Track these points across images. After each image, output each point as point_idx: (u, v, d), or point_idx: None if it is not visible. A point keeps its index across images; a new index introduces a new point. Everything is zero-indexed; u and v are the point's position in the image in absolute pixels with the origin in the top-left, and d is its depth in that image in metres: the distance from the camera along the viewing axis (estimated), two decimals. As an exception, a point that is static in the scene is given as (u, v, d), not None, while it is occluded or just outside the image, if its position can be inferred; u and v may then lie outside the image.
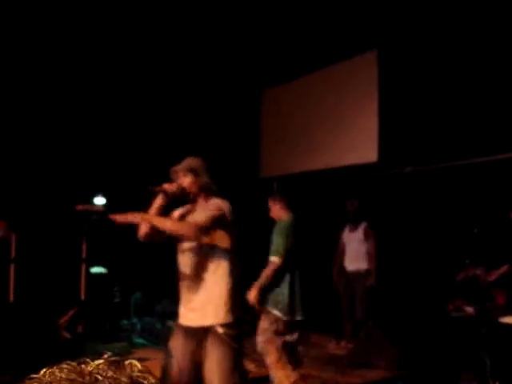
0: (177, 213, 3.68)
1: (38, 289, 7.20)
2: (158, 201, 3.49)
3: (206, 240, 3.38)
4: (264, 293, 4.90)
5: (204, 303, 3.40)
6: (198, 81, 8.97)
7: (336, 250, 7.72)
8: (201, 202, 3.57)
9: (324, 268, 7.99)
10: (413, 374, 5.79)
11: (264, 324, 4.96)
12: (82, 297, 7.31)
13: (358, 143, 8.07)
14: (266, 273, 4.90)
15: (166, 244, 3.53)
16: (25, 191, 7.73)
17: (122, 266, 8.66)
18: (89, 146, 8.43)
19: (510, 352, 5.18)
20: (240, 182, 9.01)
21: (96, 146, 8.51)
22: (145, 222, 3.39)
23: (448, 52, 6.97)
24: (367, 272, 7.32)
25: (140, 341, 7.68)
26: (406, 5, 7.08)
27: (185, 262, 3.48)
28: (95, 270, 8.19)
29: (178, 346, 3.46)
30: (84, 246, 7.35)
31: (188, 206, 3.65)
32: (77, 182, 8.10)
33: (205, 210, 3.44)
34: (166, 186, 3.50)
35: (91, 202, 7.83)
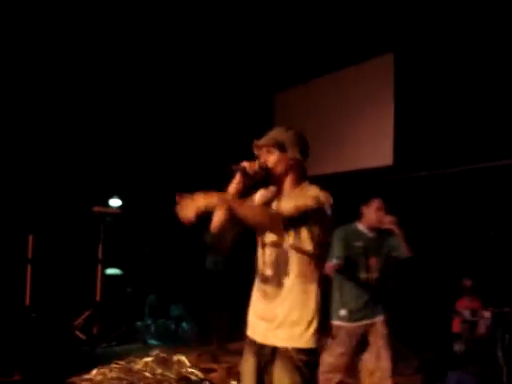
0: (258, 195, 2.92)
1: (55, 290, 7.26)
2: (236, 183, 2.70)
3: (291, 236, 2.62)
4: None
5: (280, 317, 2.64)
6: (210, 87, 9.00)
7: None
8: (289, 187, 2.77)
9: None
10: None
11: None
12: (98, 298, 7.33)
13: (373, 146, 8.04)
14: None
15: (243, 235, 2.76)
16: (42, 193, 7.79)
17: (136, 268, 8.71)
18: (105, 148, 8.49)
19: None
20: (253, 186, 9.00)
21: (112, 148, 8.56)
22: (221, 205, 2.53)
23: (464, 56, 6.94)
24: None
25: (154, 342, 7.71)
26: (422, 8, 7.06)
27: (264, 258, 2.75)
28: (110, 271, 8.24)
29: (248, 369, 2.74)
30: (100, 248, 7.38)
31: (273, 190, 2.86)
32: (93, 183, 8.16)
33: (295, 197, 2.66)
34: (246, 165, 2.71)
35: (107, 204, 7.88)
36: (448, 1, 6.83)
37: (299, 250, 2.62)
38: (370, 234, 4.65)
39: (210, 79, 8.87)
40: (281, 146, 2.73)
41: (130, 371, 0.96)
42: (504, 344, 5.28)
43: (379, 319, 4.49)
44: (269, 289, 2.68)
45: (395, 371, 6.12)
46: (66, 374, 5.58)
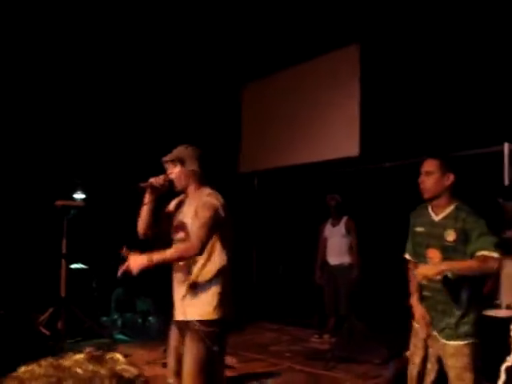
0: (172, 204, 3.62)
1: (18, 286, 7.10)
2: (148, 197, 3.45)
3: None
4: None
5: (188, 297, 3.37)
6: (178, 76, 8.91)
7: (318, 245, 7.72)
8: (192, 193, 3.48)
9: (306, 262, 8.00)
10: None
11: None
12: (62, 293, 7.20)
13: (339, 137, 8.08)
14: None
15: (163, 237, 3.51)
16: (5, 187, 7.62)
17: (102, 262, 8.57)
18: (68, 141, 8.34)
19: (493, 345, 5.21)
20: (219, 177, 8.97)
21: (75, 141, 8.42)
22: (152, 265, 3.21)
23: (430, 47, 7.00)
24: (350, 266, 7.33)
25: (121, 337, 7.62)
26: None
27: None
28: (75, 265, 8.10)
29: (172, 338, 3.49)
30: (64, 242, 7.24)
31: (181, 197, 3.59)
32: (56, 177, 8.01)
33: (195, 204, 3.36)
34: (153, 180, 3.41)
35: (71, 198, 7.74)
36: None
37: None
38: (436, 217, 3.49)
39: (177, 71, 8.79)
40: (182, 161, 3.44)
41: (59, 367, 0.96)
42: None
43: (457, 343, 3.37)
44: (182, 276, 3.41)
45: (363, 360, 6.22)
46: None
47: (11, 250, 7.37)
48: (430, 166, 3.51)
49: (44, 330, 6.62)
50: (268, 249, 9.85)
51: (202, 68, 8.88)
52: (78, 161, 8.37)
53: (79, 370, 0.72)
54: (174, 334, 3.48)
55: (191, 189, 3.47)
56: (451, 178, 3.46)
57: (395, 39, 7.32)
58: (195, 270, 3.34)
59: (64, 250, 7.30)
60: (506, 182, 6.11)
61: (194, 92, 9.24)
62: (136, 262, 3.22)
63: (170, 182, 3.45)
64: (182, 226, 3.43)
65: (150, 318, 8.03)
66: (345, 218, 7.49)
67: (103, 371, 0.72)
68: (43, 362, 0.75)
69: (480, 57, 6.54)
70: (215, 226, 3.27)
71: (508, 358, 4.14)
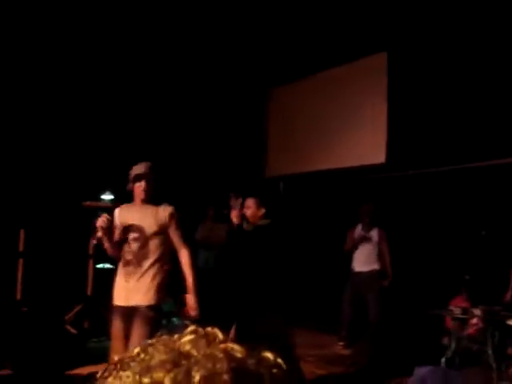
0: (116, 216, 4.15)
1: (46, 284, 7.23)
2: (101, 234, 3.94)
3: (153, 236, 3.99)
4: None
5: (137, 286, 3.91)
6: (204, 80, 8.98)
7: (346, 247, 7.48)
8: (140, 203, 4.06)
9: (330, 269, 7.98)
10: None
11: None
12: (89, 292, 7.32)
13: (366, 144, 8.07)
14: None
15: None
16: (34, 188, 7.75)
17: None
18: (97, 142, 8.45)
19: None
20: (245, 181, 9.03)
21: (104, 142, 8.52)
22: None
23: (457, 56, 6.98)
24: (380, 273, 7.17)
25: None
26: (416, 8, 7.09)
27: (129, 249, 3.98)
28: (101, 265, 8.22)
29: (115, 323, 3.93)
30: (91, 242, 7.36)
31: (121, 207, 4.20)
32: (85, 178, 8.12)
33: (150, 210, 4.00)
34: (100, 223, 3.89)
35: (99, 199, 7.85)
36: (441, 1, 6.86)
37: (155, 244, 3.96)
38: None
39: (204, 76, 8.86)
40: (148, 177, 4.09)
41: (177, 351, 0.88)
42: (494, 342, 5.32)
43: None
44: (130, 268, 3.92)
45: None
46: (57, 369, 5.57)
47: (40, 249, 7.50)
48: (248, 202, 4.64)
49: (71, 329, 6.73)
50: (293, 253, 9.85)
51: (229, 72, 8.93)
52: (107, 162, 8.48)
53: (196, 353, 0.73)
54: (116, 320, 3.93)
55: (143, 200, 4.05)
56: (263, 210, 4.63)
57: (422, 48, 7.32)
58: (146, 264, 3.94)
59: (91, 250, 7.42)
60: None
61: (221, 97, 9.30)
62: (191, 302, 4.00)
63: (110, 220, 3.94)
64: (136, 229, 3.98)
65: (174, 319, 8.10)
66: (377, 227, 7.31)
67: (218, 353, 0.73)
68: (160, 346, 0.76)
69: (506, 69, 6.51)
70: (181, 224, 4.01)
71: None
